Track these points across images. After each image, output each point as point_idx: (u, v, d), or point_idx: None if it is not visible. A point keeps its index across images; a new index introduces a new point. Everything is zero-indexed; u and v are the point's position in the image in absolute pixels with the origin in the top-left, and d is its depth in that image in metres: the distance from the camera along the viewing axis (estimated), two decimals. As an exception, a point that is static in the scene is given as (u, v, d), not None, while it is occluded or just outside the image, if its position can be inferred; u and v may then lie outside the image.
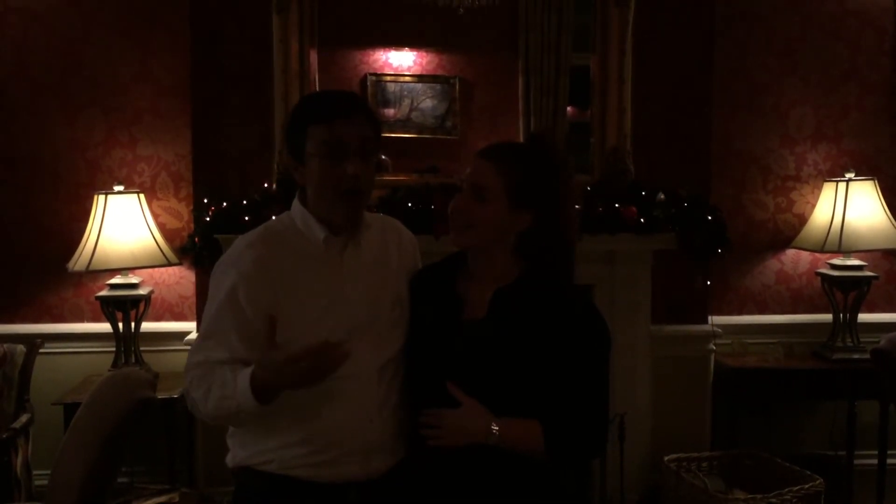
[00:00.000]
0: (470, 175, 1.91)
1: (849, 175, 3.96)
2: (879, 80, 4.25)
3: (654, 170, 3.89)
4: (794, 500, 3.32)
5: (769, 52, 4.20)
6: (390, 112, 4.02)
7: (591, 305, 1.95)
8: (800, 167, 4.24)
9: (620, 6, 3.84)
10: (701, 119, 4.03)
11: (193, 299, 4.01)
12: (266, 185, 3.75)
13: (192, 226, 3.93)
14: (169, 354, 3.91)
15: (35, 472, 3.58)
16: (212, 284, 1.91)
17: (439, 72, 4.07)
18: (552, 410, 1.82)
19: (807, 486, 3.37)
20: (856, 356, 3.89)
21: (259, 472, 1.88)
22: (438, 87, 4.07)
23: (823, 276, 4.00)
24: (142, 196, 3.84)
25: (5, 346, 3.61)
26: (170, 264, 3.86)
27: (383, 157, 3.85)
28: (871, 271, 3.97)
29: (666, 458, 3.64)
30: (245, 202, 3.65)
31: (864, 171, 4.08)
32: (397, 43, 4.03)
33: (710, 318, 4.08)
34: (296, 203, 1.96)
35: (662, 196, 3.75)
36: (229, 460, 1.97)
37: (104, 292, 3.78)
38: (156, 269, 3.95)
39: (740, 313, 4.24)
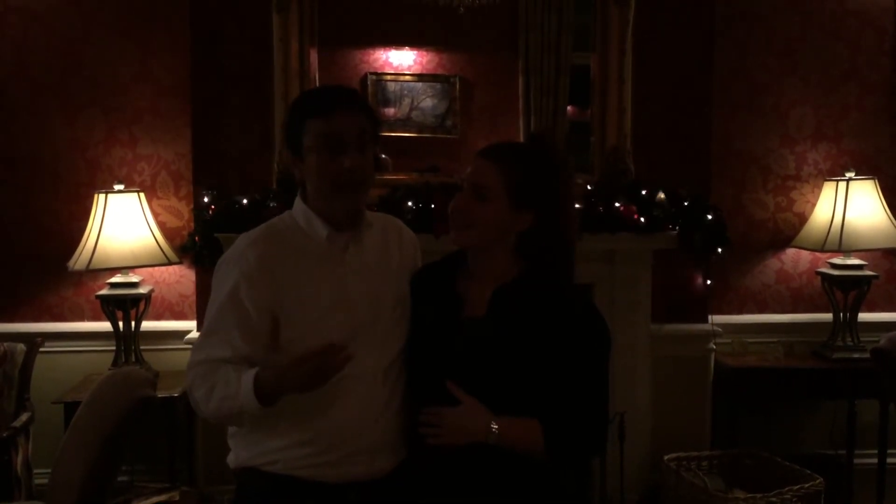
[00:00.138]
0: (470, 174, 1.91)
1: (849, 174, 3.96)
2: (879, 80, 4.25)
3: (654, 169, 3.89)
4: (794, 500, 3.32)
5: (769, 52, 4.20)
6: (390, 111, 4.02)
7: (591, 305, 1.95)
8: (800, 167, 4.24)
9: (620, 6, 3.83)
10: (701, 119, 4.03)
11: (194, 298, 4.01)
12: (266, 184, 3.75)
13: (192, 224, 3.94)
14: (169, 353, 3.91)
15: (35, 471, 3.58)
16: (214, 283, 1.91)
17: (439, 71, 4.07)
18: (552, 409, 1.81)
19: (807, 485, 3.37)
20: (856, 355, 3.89)
21: (263, 473, 1.87)
22: (438, 86, 4.07)
23: (823, 275, 4.00)
24: (142, 195, 3.83)
25: (5, 344, 3.61)
26: (170, 263, 3.86)
27: (384, 156, 3.86)
28: (871, 271, 3.97)
29: (666, 458, 3.65)
30: (245, 201, 3.65)
31: (864, 171, 4.08)
32: (397, 42, 4.04)
33: (710, 317, 4.08)
34: (298, 201, 1.96)
35: (662, 195, 3.76)
36: (231, 461, 1.96)
37: (104, 291, 3.79)
38: (156, 268, 3.95)
39: (740, 313, 4.24)
